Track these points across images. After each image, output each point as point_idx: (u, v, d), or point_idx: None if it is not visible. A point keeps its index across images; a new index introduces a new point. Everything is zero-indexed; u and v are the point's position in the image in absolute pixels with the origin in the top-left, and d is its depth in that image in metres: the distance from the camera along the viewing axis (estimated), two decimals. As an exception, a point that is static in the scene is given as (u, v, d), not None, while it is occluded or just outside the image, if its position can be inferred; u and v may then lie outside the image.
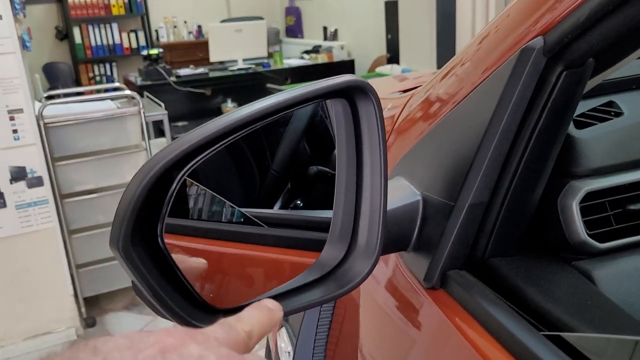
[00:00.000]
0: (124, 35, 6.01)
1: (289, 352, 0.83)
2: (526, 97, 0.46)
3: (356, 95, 0.47)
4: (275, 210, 0.63)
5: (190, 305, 0.41)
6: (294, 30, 6.45)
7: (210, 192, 0.58)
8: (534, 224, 0.55)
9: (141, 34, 6.10)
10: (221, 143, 0.39)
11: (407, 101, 0.72)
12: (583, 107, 0.64)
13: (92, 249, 2.53)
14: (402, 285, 0.59)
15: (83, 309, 2.58)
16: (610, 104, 0.64)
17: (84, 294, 2.58)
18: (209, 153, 0.39)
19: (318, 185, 0.72)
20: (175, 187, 0.38)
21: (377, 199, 0.48)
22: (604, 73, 0.50)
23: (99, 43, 5.89)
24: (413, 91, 0.75)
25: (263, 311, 0.37)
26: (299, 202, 0.74)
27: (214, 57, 4.75)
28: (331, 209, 0.65)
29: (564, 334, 0.41)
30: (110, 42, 5.94)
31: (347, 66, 5.03)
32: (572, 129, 0.59)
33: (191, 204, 0.53)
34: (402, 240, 0.56)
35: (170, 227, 0.42)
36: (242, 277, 0.53)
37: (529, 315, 0.46)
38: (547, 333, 0.42)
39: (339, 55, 5.09)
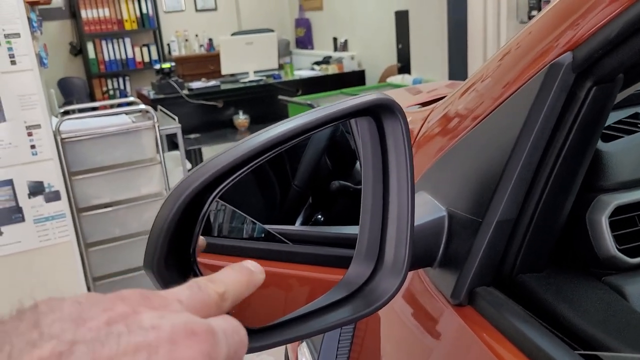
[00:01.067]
0: (137, 49, 6.08)
1: (311, 369, 0.83)
2: (555, 113, 0.46)
3: (382, 113, 0.47)
4: (299, 227, 0.63)
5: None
6: (304, 41, 6.49)
7: (234, 209, 0.59)
8: (563, 239, 0.55)
9: (153, 48, 6.17)
10: (251, 164, 0.40)
11: (427, 116, 0.72)
12: (609, 119, 0.63)
13: (108, 261, 2.54)
14: (427, 302, 0.59)
15: (99, 323, 2.58)
16: (636, 115, 0.64)
17: (100, 307, 2.59)
18: (239, 175, 0.39)
19: (340, 200, 0.72)
20: (207, 209, 0.38)
21: (404, 216, 0.48)
22: (633, 87, 0.49)
23: (112, 58, 5.97)
24: (432, 106, 0.75)
25: (242, 272, 0.33)
26: (320, 216, 0.74)
27: (225, 69, 4.79)
28: (354, 224, 0.65)
29: (601, 354, 0.41)
30: (124, 56, 6.01)
31: (358, 76, 5.04)
32: (598, 142, 0.59)
33: (216, 222, 0.53)
34: (427, 256, 0.56)
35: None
36: (268, 295, 0.53)
37: (561, 333, 0.45)
38: (583, 352, 0.41)
39: (349, 66, 5.10)
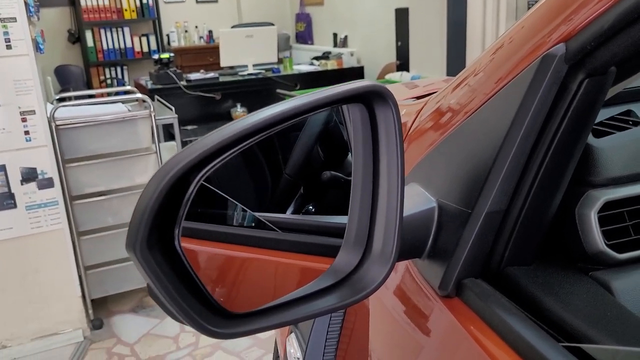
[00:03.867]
0: (136, 39, 6.05)
1: (298, 358, 0.83)
2: (547, 105, 0.46)
3: (374, 100, 0.47)
4: (289, 215, 0.63)
5: (206, 310, 0.40)
6: (304, 36, 6.47)
7: (223, 194, 0.58)
8: (551, 233, 0.55)
9: (152, 38, 6.15)
10: (239, 147, 0.39)
11: (421, 109, 0.71)
12: (601, 115, 0.63)
13: (100, 250, 2.54)
14: (415, 293, 0.59)
15: (90, 311, 2.58)
16: (629, 113, 0.64)
17: (91, 296, 2.59)
18: (226, 156, 0.39)
19: (331, 190, 0.72)
20: (193, 190, 0.38)
21: (393, 205, 0.48)
22: (625, 81, 0.49)
23: (110, 47, 5.94)
24: (426, 99, 0.75)
25: None
26: (311, 207, 0.74)
27: (224, 62, 4.77)
28: (345, 214, 0.65)
29: (584, 346, 0.41)
30: (122, 45, 5.99)
31: (357, 73, 5.04)
32: (590, 137, 0.59)
33: (204, 207, 0.53)
34: (416, 247, 0.55)
35: (184, 231, 0.42)
36: (255, 281, 0.53)
37: (547, 326, 0.45)
38: (566, 344, 0.41)
39: (348, 62, 5.10)
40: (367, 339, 0.72)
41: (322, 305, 0.46)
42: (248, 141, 0.39)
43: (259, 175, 0.65)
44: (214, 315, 0.41)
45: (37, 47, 2.30)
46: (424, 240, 0.55)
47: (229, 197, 0.57)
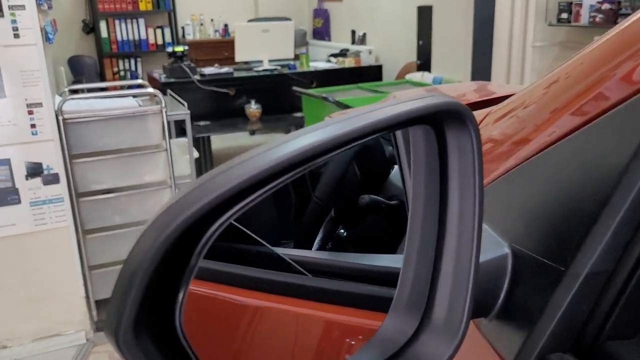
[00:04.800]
0: (150, 31, 5.97)
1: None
2: None
3: (447, 121, 0.35)
4: (319, 253, 0.51)
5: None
6: (321, 32, 6.35)
7: (239, 226, 0.47)
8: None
9: (167, 31, 6.06)
10: (273, 184, 0.28)
11: (479, 122, 0.59)
12: None
13: (106, 250, 2.44)
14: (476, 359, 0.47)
15: (94, 312, 2.49)
16: None
17: (95, 297, 2.49)
18: (254, 199, 0.27)
19: (368, 217, 0.60)
20: (201, 250, 0.26)
21: (466, 256, 0.36)
22: None
23: (125, 38, 5.86)
24: (484, 111, 0.62)
25: None
26: (342, 231, 0.62)
27: (239, 56, 4.66)
28: (383, 247, 0.53)
29: None
30: (137, 37, 5.90)
31: (375, 72, 4.91)
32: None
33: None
34: (483, 304, 0.44)
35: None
36: (278, 338, 0.41)
37: None
38: None
39: (366, 60, 4.96)
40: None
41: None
42: (284, 177, 0.28)
43: (283, 199, 0.53)
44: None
45: (47, 37, 2.20)
46: (494, 296, 0.43)
47: (246, 230, 0.46)
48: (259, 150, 0.27)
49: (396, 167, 0.61)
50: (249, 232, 0.45)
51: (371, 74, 4.81)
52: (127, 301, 0.24)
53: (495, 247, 0.44)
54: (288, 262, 0.46)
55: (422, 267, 0.38)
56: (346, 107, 3.01)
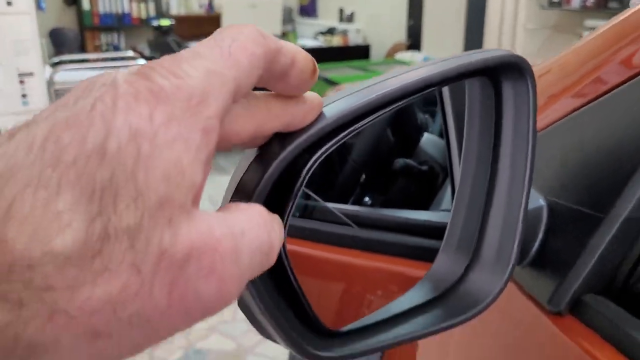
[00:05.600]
0: (134, 4, 5.85)
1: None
2: None
3: (505, 74, 0.37)
4: (364, 208, 0.54)
5: (303, 326, 0.31)
6: (308, 10, 6.30)
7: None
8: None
9: (151, 5, 5.94)
10: (371, 118, 0.30)
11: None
12: None
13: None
14: (511, 308, 0.50)
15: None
16: None
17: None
18: (353, 131, 0.30)
19: (401, 180, 0.63)
20: (305, 176, 0.29)
21: (517, 200, 0.39)
22: None
23: (107, 11, 5.74)
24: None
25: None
26: (367, 199, 0.64)
27: (226, 32, 4.62)
28: (418, 209, 0.56)
29: None
30: (120, 10, 5.78)
31: (362, 51, 4.91)
32: None
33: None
34: (521, 253, 0.47)
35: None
36: (334, 289, 0.44)
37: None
38: None
39: (354, 39, 4.97)
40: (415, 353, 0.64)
41: (427, 324, 0.38)
42: (378, 113, 0.30)
43: (327, 161, 0.56)
44: (311, 333, 0.32)
45: (39, 5, 2.16)
46: (529, 245, 0.47)
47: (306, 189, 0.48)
48: (367, 83, 0.30)
49: (426, 134, 0.64)
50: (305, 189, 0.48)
51: (359, 53, 4.82)
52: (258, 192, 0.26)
53: (532, 199, 0.47)
54: (336, 214, 0.49)
55: (473, 213, 0.41)
56: (336, 84, 3.02)
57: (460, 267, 0.41)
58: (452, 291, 0.40)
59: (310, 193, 0.49)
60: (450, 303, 0.40)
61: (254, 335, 2.20)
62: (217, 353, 2.11)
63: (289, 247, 0.32)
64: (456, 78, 0.36)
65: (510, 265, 0.39)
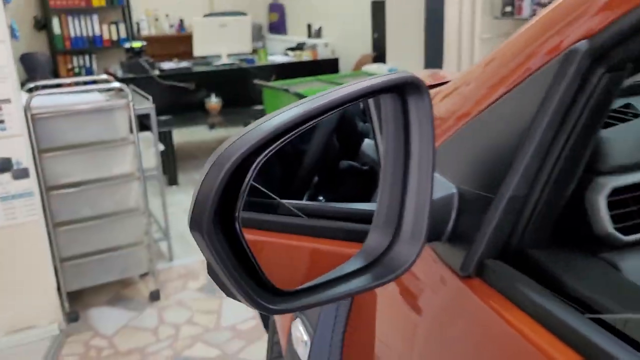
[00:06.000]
0: (105, 27, 5.91)
1: (305, 341, 0.85)
2: (569, 96, 0.49)
3: (409, 91, 0.49)
4: (312, 202, 0.65)
5: (259, 287, 0.42)
6: (278, 26, 6.45)
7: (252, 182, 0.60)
8: (561, 218, 0.58)
9: (122, 27, 6.01)
10: (294, 132, 0.41)
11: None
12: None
13: (77, 242, 2.50)
14: (433, 275, 0.61)
15: (66, 304, 2.54)
16: (628, 105, 0.68)
17: (67, 288, 2.54)
18: (283, 142, 0.41)
19: (347, 179, 0.74)
20: (253, 172, 0.40)
21: (425, 188, 0.51)
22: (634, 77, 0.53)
23: (78, 34, 5.79)
24: (437, 89, 0.77)
25: None
26: (320, 198, 0.76)
27: (197, 51, 4.72)
28: (361, 202, 0.67)
29: (605, 316, 0.44)
30: (90, 33, 5.84)
31: (332, 64, 5.06)
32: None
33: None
34: (437, 231, 0.58)
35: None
36: (288, 266, 0.55)
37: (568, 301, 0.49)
38: (590, 316, 0.45)
39: (323, 53, 5.11)
40: (374, 323, 0.75)
41: (359, 284, 0.49)
42: (304, 126, 0.41)
43: (285, 166, 0.67)
44: (265, 292, 0.42)
45: (13, 34, 2.23)
46: (444, 224, 0.58)
47: (258, 186, 0.59)
48: (289, 107, 0.41)
49: (366, 139, 0.76)
50: (261, 188, 0.59)
51: (328, 66, 4.97)
52: (207, 205, 0.37)
53: (445, 188, 0.59)
54: (288, 207, 0.60)
55: (393, 197, 0.52)
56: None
57: (385, 242, 0.52)
58: (379, 260, 0.51)
59: (270, 194, 0.60)
60: (377, 269, 0.51)
61: (237, 342, 2.28)
62: (202, 360, 2.19)
63: (252, 237, 0.43)
64: (371, 94, 0.47)
65: (422, 240, 0.50)
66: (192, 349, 2.26)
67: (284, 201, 0.60)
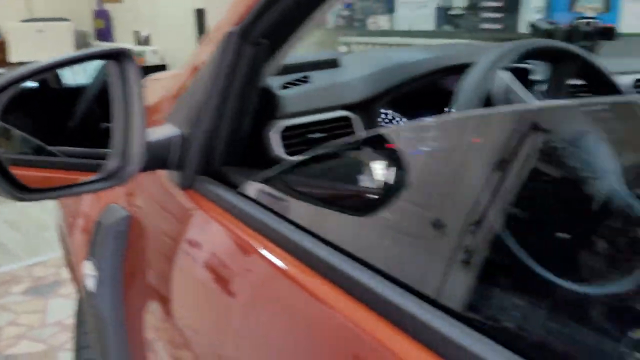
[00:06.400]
0: None
1: (94, 276, 1.05)
2: (232, 65, 0.77)
3: (122, 58, 0.74)
4: (70, 148, 0.87)
5: (11, 185, 0.63)
6: (104, 34, 6.33)
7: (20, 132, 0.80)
8: (254, 148, 0.87)
9: None
10: (24, 81, 0.63)
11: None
12: (288, 78, 0.98)
13: None
14: (169, 194, 0.87)
15: None
16: (305, 77, 1.00)
17: None
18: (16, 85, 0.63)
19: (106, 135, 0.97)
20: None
21: (140, 129, 0.75)
22: (281, 55, 0.83)
23: None
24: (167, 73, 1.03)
25: None
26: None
27: (15, 57, 4.52)
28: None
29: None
30: None
31: (160, 70, 5.15)
32: (279, 90, 0.93)
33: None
34: (167, 162, 0.84)
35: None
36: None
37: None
38: (240, 191, 0.73)
39: (151, 60, 5.18)
40: (144, 252, 0.98)
41: (100, 186, 0.72)
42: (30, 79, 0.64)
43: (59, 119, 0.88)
44: (17, 188, 0.64)
45: None
46: (172, 156, 0.84)
47: (23, 133, 0.80)
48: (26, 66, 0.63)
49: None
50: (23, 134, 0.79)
51: (156, 72, 5.05)
52: None
53: (173, 132, 0.84)
54: (48, 150, 0.82)
55: (122, 137, 0.76)
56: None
57: (117, 164, 0.76)
58: (112, 175, 0.75)
59: (36, 140, 0.81)
60: (110, 180, 0.74)
61: (63, 335, 2.33)
62: (29, 356, 2.20)
63: (26, 173, 0.64)
64: (92, 57, 0.71)
65: (139, 160, 0.75)
66: (17, 347, 2.26)
67: (48, 147, 0.82)
